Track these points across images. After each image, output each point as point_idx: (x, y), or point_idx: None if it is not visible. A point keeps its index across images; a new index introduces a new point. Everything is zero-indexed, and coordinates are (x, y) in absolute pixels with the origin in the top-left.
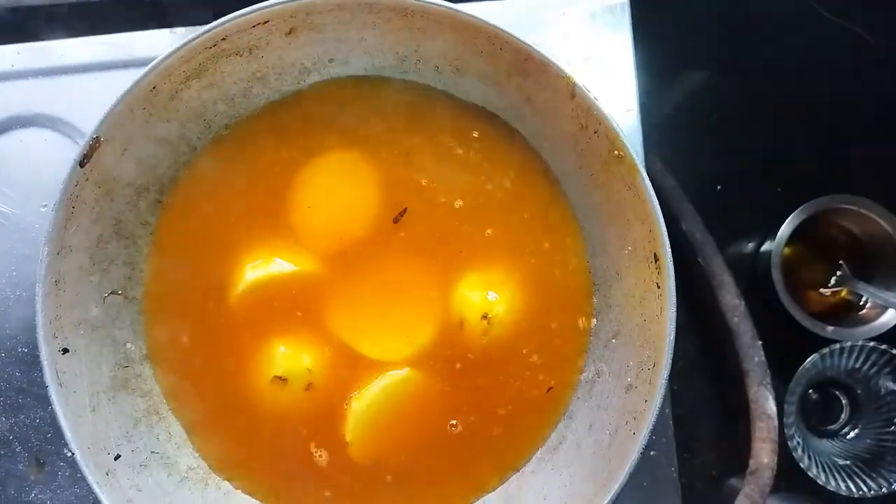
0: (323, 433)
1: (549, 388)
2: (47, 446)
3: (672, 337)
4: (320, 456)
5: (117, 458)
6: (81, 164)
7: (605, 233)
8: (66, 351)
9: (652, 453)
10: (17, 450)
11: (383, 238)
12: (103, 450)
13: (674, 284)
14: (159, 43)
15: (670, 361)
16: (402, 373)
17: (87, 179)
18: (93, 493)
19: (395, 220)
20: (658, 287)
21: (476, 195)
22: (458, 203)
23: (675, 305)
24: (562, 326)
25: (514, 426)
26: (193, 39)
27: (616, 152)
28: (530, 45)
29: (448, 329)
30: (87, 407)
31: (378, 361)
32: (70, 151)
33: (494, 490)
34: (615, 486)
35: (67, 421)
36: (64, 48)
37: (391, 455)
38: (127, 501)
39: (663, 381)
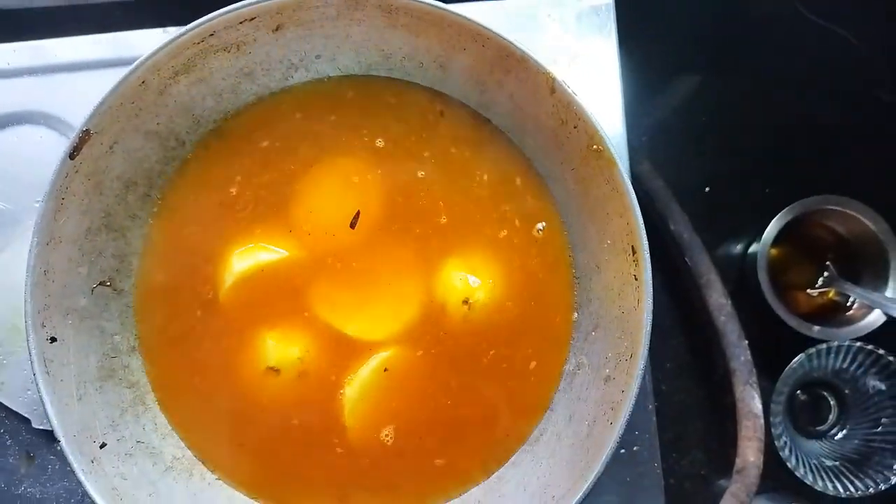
0: (320, 420)
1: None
2: (37, 440)
3: (649, 328)
4: (318, 442)
5: (103, 446)
6: (71, 156)
7: (585, 228)
8: (53, 340)
9: (635, 448)
10: (8, 443)
11: (367, 228)
12: (89, 438)
13: (651, 276)
14: (152, 42)
15: (647, 352)
16: (388, 354)
17: (76, 171)
18: (81, 485)
19: (352, 225)
20: (636, 279)
21: (460, 188)
22: (442, 195)
23: (651, 296)
24: (544, 317)
25: (499, 417)
26: (181, 35)
27: (595, 147)
28: (512, 42)
29: (431, 312)
30: (73, 396)
31: (364, 342)
32: (64, 148)
33: (479, 484)
34: (592, 476)
35: (54, 409)
36: (59, 47)
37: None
38: (112, 489)
39: (640, 372)
